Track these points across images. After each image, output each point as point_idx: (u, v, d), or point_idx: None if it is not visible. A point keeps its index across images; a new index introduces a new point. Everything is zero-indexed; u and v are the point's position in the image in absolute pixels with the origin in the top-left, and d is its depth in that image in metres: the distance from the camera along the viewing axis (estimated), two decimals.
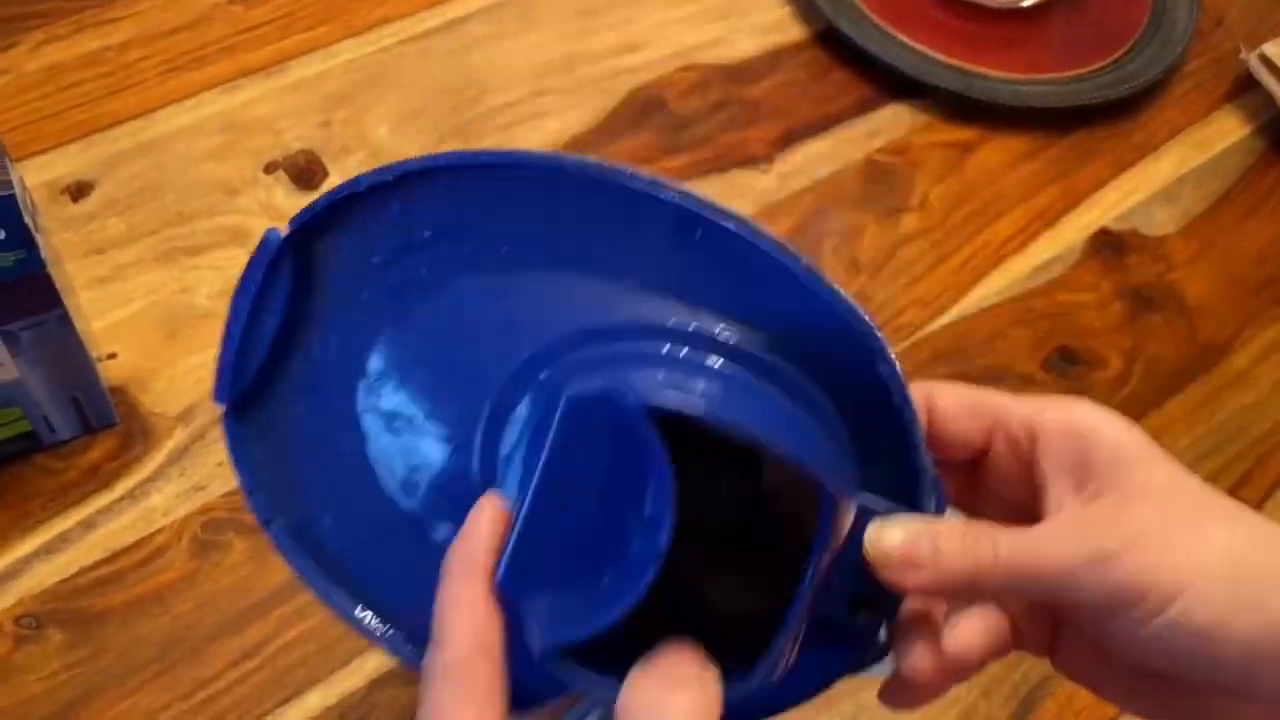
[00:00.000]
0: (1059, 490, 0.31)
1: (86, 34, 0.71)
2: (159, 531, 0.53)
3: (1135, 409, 0.64)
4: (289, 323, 0.32)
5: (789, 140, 0.72)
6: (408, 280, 0.30)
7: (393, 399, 0.32)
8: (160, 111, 0.68)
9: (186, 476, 0.55)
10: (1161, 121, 0.78)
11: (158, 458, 0.56)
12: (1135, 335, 0.67)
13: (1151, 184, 0.74)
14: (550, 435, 0.27)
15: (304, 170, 0.67)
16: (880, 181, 0.72)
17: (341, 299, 0.31)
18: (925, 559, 0.29)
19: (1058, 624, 0.34)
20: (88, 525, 0.53)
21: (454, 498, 0.30)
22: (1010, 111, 0.75)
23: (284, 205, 0.65)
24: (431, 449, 0.32)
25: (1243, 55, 0.79)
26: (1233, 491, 0.61)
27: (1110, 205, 0.73)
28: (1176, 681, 0.29)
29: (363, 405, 0.32)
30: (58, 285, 0.48)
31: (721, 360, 0.29)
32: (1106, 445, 0.31)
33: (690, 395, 0.27)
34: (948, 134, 0.74)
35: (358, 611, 0.33)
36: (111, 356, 0.58)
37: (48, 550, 0.52)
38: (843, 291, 0.28)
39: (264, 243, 0.31)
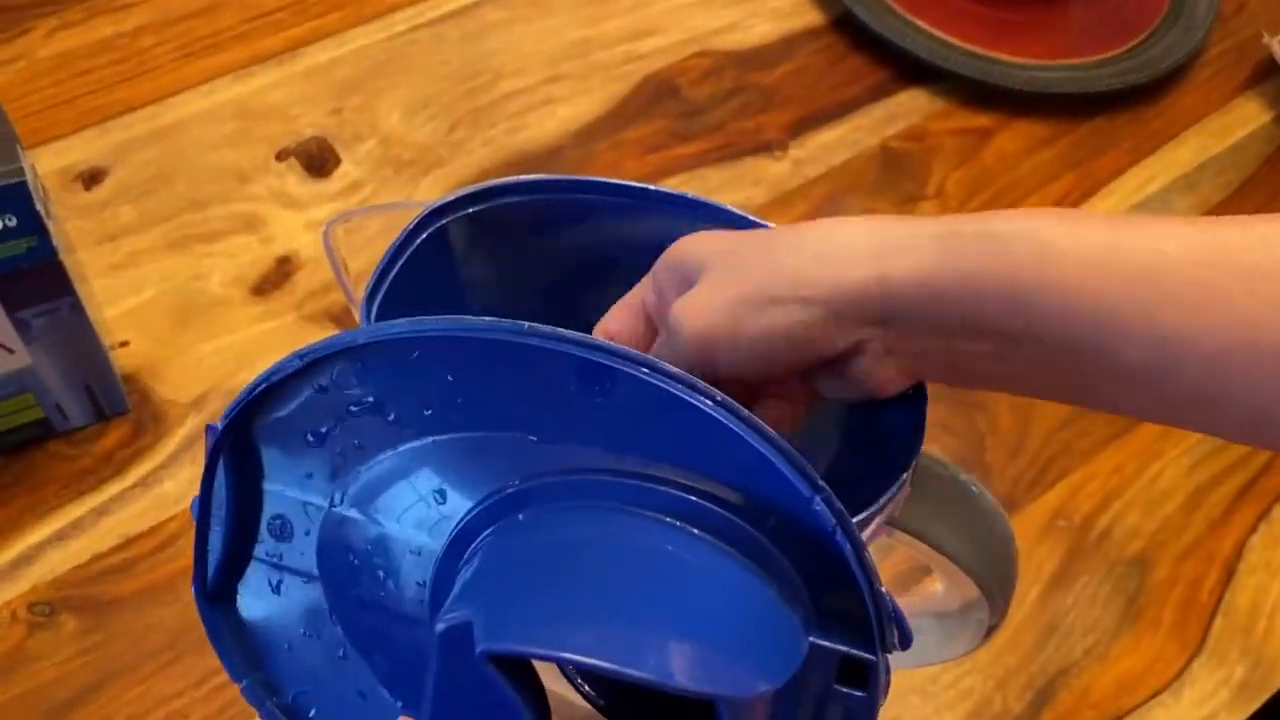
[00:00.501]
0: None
1: (100, 20, 0.71)
2: (172, 519, 0.53)
3: None
4: (245, 513, 0.32)
5: (804, 127, 0.72)
6: (341, 455, 0.31)
7: (351, 579, 0.32)
8: (173, 98, 0.68)
9: (199, 463, 0.55)
10: (1181, 108, 0.77)
11: (170, 445, 0.56)
12: None
13: (1170, 171, 0.73)
14: (431, 674, 0.27)
15: (316, 157, 0.67)
16: (896, 168, 0.71)
17: (286, 482, 0.32)
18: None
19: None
20: (101, 512, 0.53)
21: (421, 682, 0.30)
22: (1028, 98, 0.74)
23: (296, 192, 0.65)
24: (393, 626, 0.32)
25: (1265, 41, 0.78)
26: (1233, 502, 0.60)
27: (1129, 193, 0.72)
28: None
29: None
30: (70, 273, 0.48)
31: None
32: (684, 257, 0.35)
33: (552, 631, 0.26)
34: (965, 120, 0.74)
35: None
36: (124, 344, 0.58)
37: (60, 537, 0.52)
38: (784, 444, 0.27)
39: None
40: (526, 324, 0.28)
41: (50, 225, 0.46)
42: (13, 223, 0.44)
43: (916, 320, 0.31)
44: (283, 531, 0.32)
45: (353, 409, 0.30)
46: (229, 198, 0.64)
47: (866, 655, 0.27)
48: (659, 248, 0.38)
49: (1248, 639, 0.56)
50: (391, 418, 0.30)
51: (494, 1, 0.75)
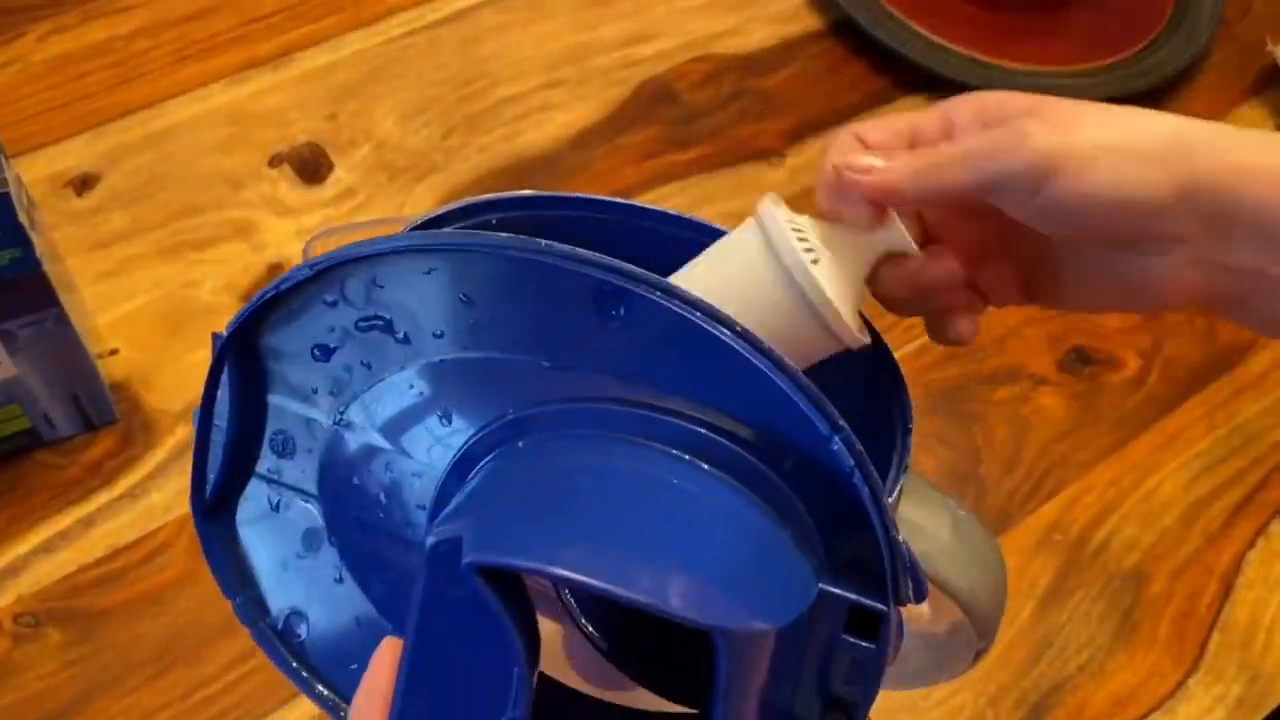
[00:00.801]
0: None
1: (95, 24, 0.71)
2: (159, 529, 0.53)
3: (1152, 410, 0.63)
4: (247, 426, 0.31)
5: (802, 133, 0.71)
6: (347, 371, 0.30)
7: (352, 500, 0.31)
8: (167, 103, 0.68)
9: (188, 474, 0.54)
10: (1184, 114, 0.76)
11: (159, 455, 0.55)
12: (1153, 335, 0.66)
13: None
14: (419, 589, 0.26)
15: (309, 163, 0.66)
16: None
17: (291, 396, 0.31)
18: (878, 164, 0.33)
19: (1012, 263, 0.36)
20: (88, 523, 0.53)
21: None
22: None
23: (288, 199, 0.65)
24: (391, 550, 0.31)
25: (1269, 47, 0.77)
26: (1231, 516, 0.60)
27: None
28: (1123, 263, 0.33)
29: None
30: (55, 283, 0.48)
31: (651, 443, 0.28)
32: (998, 98, 0.34)
33: (545, 547, 0.25)
34: None
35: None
36: (113, 353, 0.58)
37: (47, 548, 0.52)
38: (804, 379, 0.26)
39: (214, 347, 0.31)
40: (544, 241, 0.27)
41: (34, 236, 0.45)
42: None
43: (1255, 229, 0.31)
44: (285, 448, 0.32)
45: (361, 324, 0.29)
46: (221, 204, 0.64)
47: (878, 605, 0.26)
48: (646, 265, 0.37)
49: (1245, 655, 0.55)
50: (401, 335, 0.29)
51: (491, 6, 0.75)
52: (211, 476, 0.32)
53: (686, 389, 0.27)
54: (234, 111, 0.68)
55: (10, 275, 0.45)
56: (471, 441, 0.29)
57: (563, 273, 0.27)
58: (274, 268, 0.62)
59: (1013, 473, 0.60)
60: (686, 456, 0.27)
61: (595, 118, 0.70)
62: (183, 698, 0.49)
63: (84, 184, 0.64)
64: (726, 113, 0.72)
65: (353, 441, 0.31)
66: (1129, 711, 0.53)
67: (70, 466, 0.55)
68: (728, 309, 0.27)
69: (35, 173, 0.64)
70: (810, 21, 0.77)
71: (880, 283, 0.35)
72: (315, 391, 0.30)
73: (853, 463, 0.26)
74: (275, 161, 0.66)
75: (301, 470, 0.32)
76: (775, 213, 0.33)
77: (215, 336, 0.30)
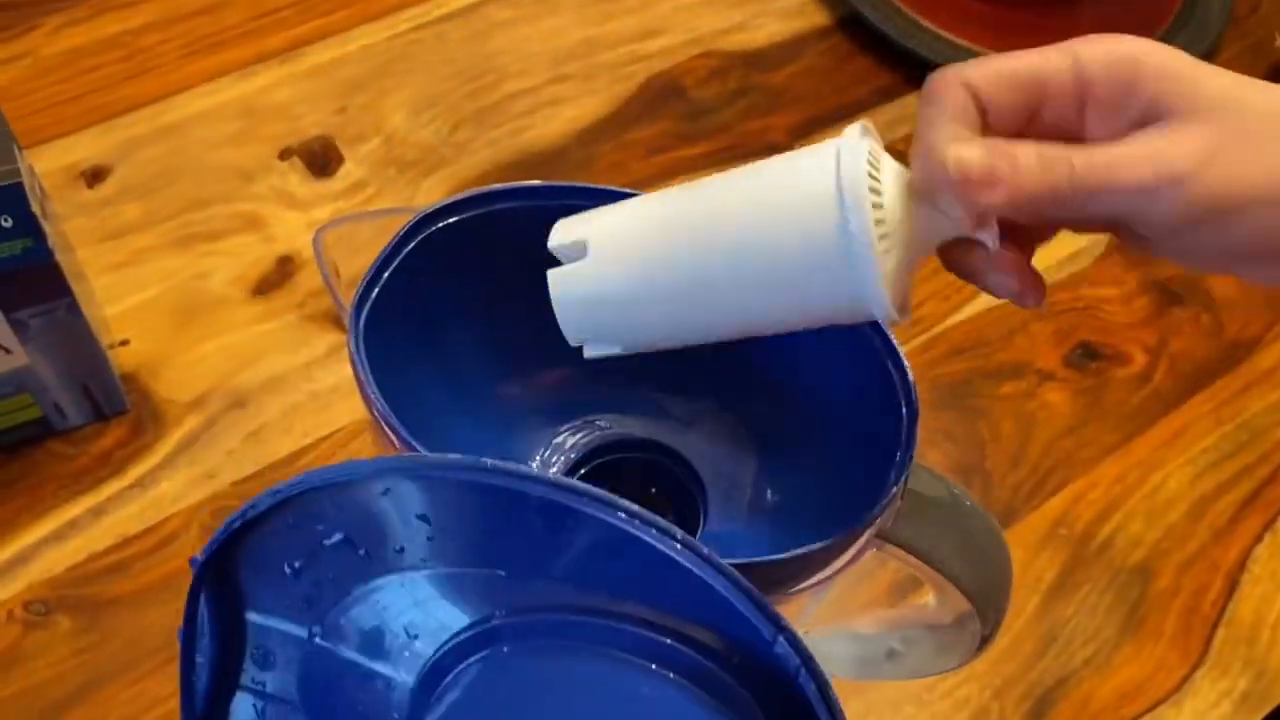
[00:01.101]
0: (1120, 124, 0.31)
1: (106, 18, 0.71)
2: (169, 518, 0.54)
3: (1158, 406, 0.63)
4: (228, 641, 0.32)
5: (809, 128, 0.71)
6: (317, 587, 0.31)
7: (333, 710, 0.32)
8: (178, 96, 0.68)
9: (197, 464, 0.55)
10: None
11: (169, 444, 0.56)
12: (1160, 331, 0.66)
13: None
14: None
15: (319, 156, 0.66)
16: None
17: (267, 613, 0.32)
18: (1004, 174, 0.29)
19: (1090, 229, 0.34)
20: (98, 511, 0.53)
21: None
22: None
23: (298, 192, 0.65)
24: None
25: (1278, 42, 0.77)
26: (1238, 511, 0.60)
27: None
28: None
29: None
30: (66, 273, 0.48)
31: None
32: (1154, 71, 0.30)
33: None
34: None
35: None
36: (124, 343, 0.58)
37: (58, 536, 0.52)
38: (745, 584, 0.27)
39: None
40: (490, 461, 0.27)
41: (47, 226, 0.46)
42: (8, 224, 0.44)
43: None
44: (265, 660, 0.33)
45: (325, 544, 0.30)
46: (231, 197, 0.64)
47: None
48: None
49: (1251, 650, 0.55)
50: (362, 553, 0.30)
51: (499, 1, 0.75)
52: (199, 688, 0.33)
53: (637, 595, 0.28)
54: (244, 105, 0.68)
55: (22, 265, 0.46)
56: (439, 654, 0.30)
57: (509, 491, 0.27)
58: (283, 260, 0.62)
59: (1018, 468, 0.60)
60: (643, 663, 0.28)
61: (602, 113, 0.70)
62: None
63: (95, 176, 0.64)
64: (733, 108, 0.72)
65: (327, 654, 0.32)
66: (1135, 705, 0.53)
67: (80, 456, 0.55)
68: (775, 248, 0.28)
69: (48, 164, 0.64)
70: (817, 17, 0.77)
71: (944, 259, 0.33)
72: (289, 608, 0.31)
73: (798, 662, 0.27)
74: (285, 154, 0.66)
75: (284, 681, 0.32)
76: (857, 163, 0.31)
77: (192, 561, 0.31)
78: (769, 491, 0.40)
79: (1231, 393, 0.64)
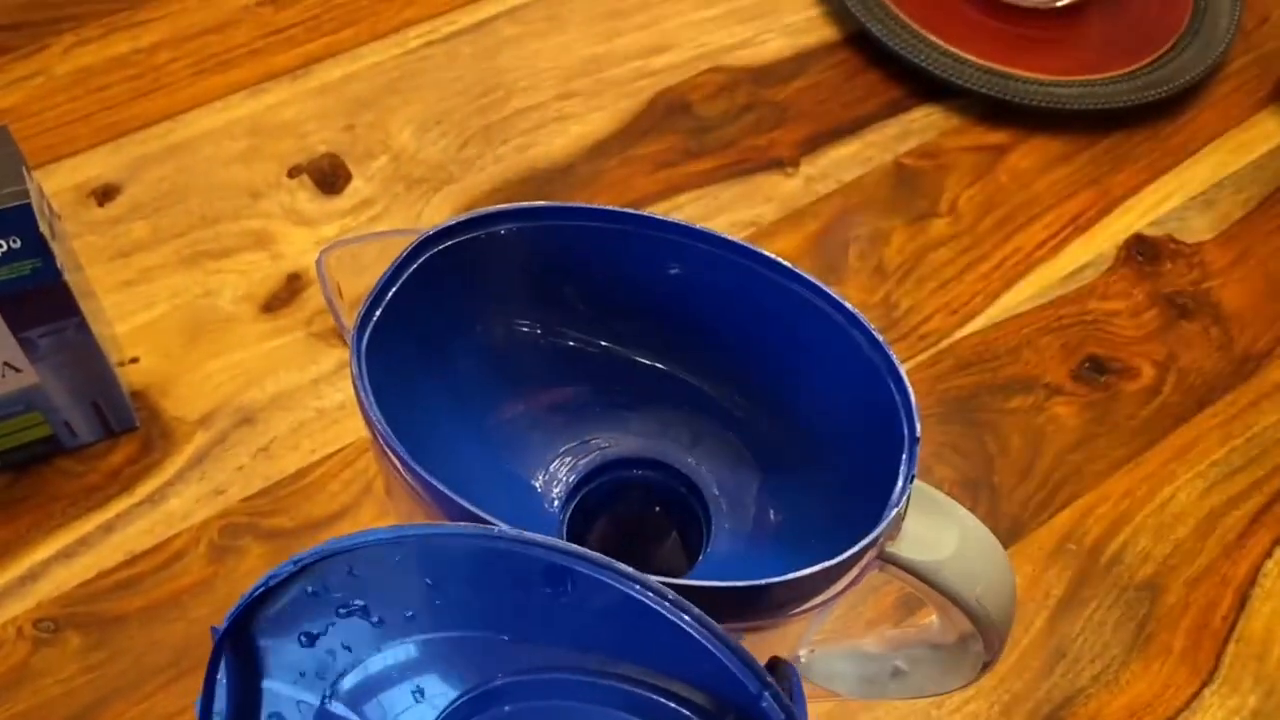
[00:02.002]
0: None
1: (117, 36, 0.72)
2: (177, 536, 0.54)
3: (1166, 421, 0.63)
4: (244, 710, 0.33)
5: (816, 143, 0.72)
6: (331, 655, 0.32)
7: None
8: (187, 114, 0.69)
9: (206, 481, 0.56)
10: (1201, 124, 0.76)
11: (178, 461, 0.56)
12: (1169, 345, 0.66)
13: (1188, 189, 0.73)
14: None
15: (328, 174, 0.67)
16: (909, 186, 0.70)
17: (282, 680, 0.33)
18: None
19: None
20: (107, 529, 0.54)
21: None
22: (1043, 114, 0.73)
23: (306, 209, 0.65)
24: None
25: None
26: (1248, 526, 0.59)
27: (1145, 210, 0.71)
28: None
29: None
30: (76, 291, 0.48)
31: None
32: None
33: None
34: (979, 137, 0.73)
35: None
36: (134, 361, 0.59)
37: (67, 554, 0.53)
38: (734, 642, 0.28)
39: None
40: (497, 527, 0.29)
41: (55, 246, 0.46)
42: (17, 245, 0.44)
43: None
44: None
45: (341, 611, 0.31)
46: (240, 214, 0.65)
47: None
48: (655, 275, 0.37)
49: (1261, 667, 0.55)
50: (375, 619, 0.31)
51: (507, 17, 0.75)
52: None
53: (633, 655, 0.29)
54: (253, 123, 0.69)
55: (31, 285, 0.46)
56: (442, 716, 0.31)
57: (513, 554, 0.29)
58: (292, 277, 0.62)
59: (1026, 482, 0.60)
60: None
61: (610, 129, 0.71)
62: None
63: (105, 194, 0.65)
64: (740, 123, 0.72)
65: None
66: None
67: (90, 473, 0.55)
68: None
69: (58, 183, 0.65)
70: (825, 33, 0.77)
71: None
72: (304, 675, 0.32)
73: (783, 715, 0.28)
74: (294, 172, 0.67)
75: None
76: None
77: (213, 630, 0.31)
78: (772, 511, 0.40)
79: (1241, 406, 0.64)
